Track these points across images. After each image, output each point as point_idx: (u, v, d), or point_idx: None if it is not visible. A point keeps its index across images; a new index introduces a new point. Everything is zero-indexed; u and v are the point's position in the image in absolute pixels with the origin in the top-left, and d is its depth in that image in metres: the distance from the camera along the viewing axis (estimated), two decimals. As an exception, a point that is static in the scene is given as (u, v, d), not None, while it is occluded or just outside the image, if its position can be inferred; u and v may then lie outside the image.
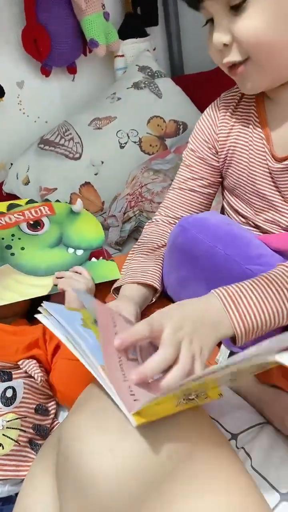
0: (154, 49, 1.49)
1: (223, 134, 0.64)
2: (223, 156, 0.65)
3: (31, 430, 0.58)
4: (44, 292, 0.73)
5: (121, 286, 0.67)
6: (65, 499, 0.39)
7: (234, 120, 0.63)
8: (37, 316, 0.45)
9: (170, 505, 0.35)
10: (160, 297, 0.70)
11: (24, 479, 0.53)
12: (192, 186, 0.68)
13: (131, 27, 1.40)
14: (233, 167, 0.64)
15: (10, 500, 0.52)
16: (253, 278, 0.50)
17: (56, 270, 0.76)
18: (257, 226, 0.66)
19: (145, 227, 0.75)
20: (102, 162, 1.19)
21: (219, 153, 0.65)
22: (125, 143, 1.22)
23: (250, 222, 0.66)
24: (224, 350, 0.65)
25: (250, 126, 0.61)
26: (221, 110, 0.64)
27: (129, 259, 0.70)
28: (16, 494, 0.53)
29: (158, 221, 0.73)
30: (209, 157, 0.66)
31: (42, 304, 0.46)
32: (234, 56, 0.51)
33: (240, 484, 0.38)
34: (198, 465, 0.37)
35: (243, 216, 0.68)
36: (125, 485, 0.36)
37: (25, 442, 0.57)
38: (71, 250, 0.82)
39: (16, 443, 0.55)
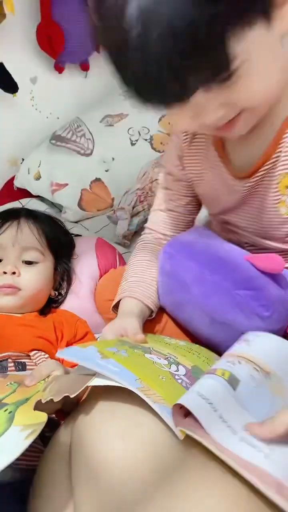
0: (167, 48, 1.49)
1: (187, 157, 0.63)
2: (190, 177, 0.65)
3: None
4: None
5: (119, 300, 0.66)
6: (78, 486, 0.40)
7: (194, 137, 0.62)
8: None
9: (182, 492, 0.35)
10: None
11: (35, 468, 0.55)
12: (171, 206, 0.69)
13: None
14: (201, 189, 0.65)
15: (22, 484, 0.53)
16: None
17: None
18: (245, 241, 0.65)
19: (136, 246, 0.74)
20: (113, 159, 1.19)
21: (187, 174, 0.65)
22: (136, 140, 1.23)
23: (238, 238, 0.66)
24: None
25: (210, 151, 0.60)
26: (183, 134, 0.62)
27: (125, 277, 0.69)
28: (26, 481, 0.54)
29: (146, 241, 0.73)
30: (182, 178, 0.66)
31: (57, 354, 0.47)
32: (228, 115, 0.46)
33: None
34: (209, 453, 0.38)
35: (230, 232, 0.67)
36: (136, 473, 0.37)
37: None
38: None
39: None
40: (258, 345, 0.48)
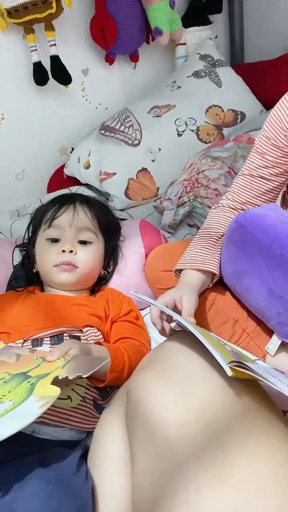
0: (216, 37, 1.48)
1: None
2: None
3: (94, 390, 0.64)
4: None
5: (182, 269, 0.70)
6: (135, 442, 0.45)
7: None
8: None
9: (229, 449, 0.38)
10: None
11: (88, 431, 0.60)
12: (264, 174, 0.69)
13: (195, 15, 1.40)
14: None
15: (75, 444, 0.59)
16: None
17: None
18: None
19: (211, 210, 0.77)
20: (160, 149, 1.22)
21: None
22: (183, 131, 1.24)
23: None
24: (275, 340, 0.67)
25: None
26: None
27: (193, 244, 0.73)
28: (80, 440, 0.60)
29: (224, 206, 0.74)
30: (285, 144, 0.66)
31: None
32: None
33: None
34: (253, 423, 0.41)
35: None
36: (187, 433, 0.41)
37: (90, 400, 0.63)
38: None
39: (82, 399, 0.62)
40: None
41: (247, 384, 0.45)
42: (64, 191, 1.26)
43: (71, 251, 0.77)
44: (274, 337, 0.67)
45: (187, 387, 0.44)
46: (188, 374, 0.45)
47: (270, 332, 0.69)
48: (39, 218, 0.84)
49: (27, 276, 0.86)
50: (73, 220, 0.80)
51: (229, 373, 0.43)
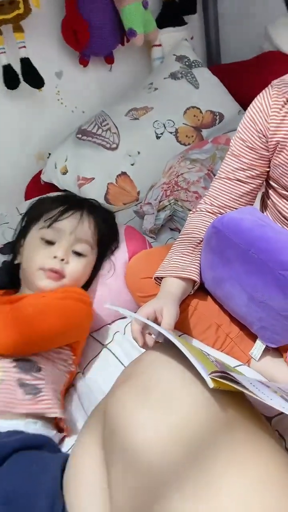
0: (192, 38, 1.47)
1: (275, 121, 0.63)
2: (273, 143, 0.64)
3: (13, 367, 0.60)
4: None
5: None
6: (113, 469, 0.42)
7: None
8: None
9: (212, 477, 0.36)
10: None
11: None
12: (240, 176, 0.68)
13: (169, 16, 1.39)
14: (284, 155, 0.63)
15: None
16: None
17: None
18: None
19: (189, 215, 0.75)
20: (139, 153, 1.20)
21: (269, 141, 0.64)
22: (162, 133, 1.22)
23: None
24: (259, 345, 0.66)
25: None
26: (273, 98, 0.62)
27: (172, 250, 0.71)
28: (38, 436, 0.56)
29: (202, 211, 0.73)
30: (260, 146, 0.65)
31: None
32: None
33: (280, 459, 0.39)
34: (238, 440, 0.39)
35: (284, 217, 0.67)
36: (169, 457, 0.39)
37: (10, 380, 0.59)
38: None
39: None
40: None
41: (232, 396, 0.43)
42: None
43: (62, 259, 0.73)
44: (258, 341, 0.66)
45: (168, 405, 0.41)
46: (169, 389, 0.43)
47: (253, 337, 0.68)
48: (39, 212, 0.78)
49: (6, 271, 0.80)
50: (76, 229, 0.75)
51: (211, 384, 0.41)
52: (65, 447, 0.61)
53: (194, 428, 0.40)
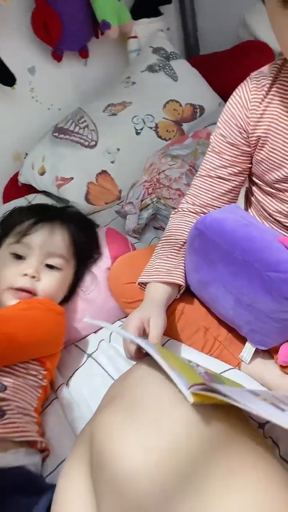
0: (168, 29, 1.43)
1: (255, 115, 0.60)
2: (254, 138, 0.61)
3: None
4: None
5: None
6: (101, 498, 0.39)
7: (268, 100, 0.59)
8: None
9: (208, 502, 0.34)
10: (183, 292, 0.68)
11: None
12: (222, 174, 0.65)
13: (144, 6, 1.34)
14: (266, 150, 0.61)
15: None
16: None
17: None
18: (281, 223, 0.62)
19: (171, 215, 0.72)
20: (118, 150, 1.16)
21: (250, 137, 0.62)
22: (141, 129, 1.19)
23: (276, 218, 0.64)
24: (249, 347, 0.64)
25: None
26: (253, 91, 0.60)
27: (155, 254, 0.68)
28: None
29: (184, 211, 0.70)
30: (241, 142, 0.62)
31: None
32: None
33: (279, 481, 0.37)
34: (233, 461, 0.37)
35: (269, 214, 0.65)
36: (161, 484, 0.36)
37: None
38: None
39: None
40: None
41: (223, 409, 0.41)
42: (21, 201, 1.18)
43: (33, 277, 0.68)
44: (248, 344, 0.64)
45: (157, 426, 0.39)
46: (157, 409, 0.40)
47: (242, 339, 0.66)
48: (11, 225, 0.73)
49: None
50: (46, 242, 0.70)
51: (191, 399, 0.38)
52: (50, 467, 0.57)
53: (186, 449, 0.37)
